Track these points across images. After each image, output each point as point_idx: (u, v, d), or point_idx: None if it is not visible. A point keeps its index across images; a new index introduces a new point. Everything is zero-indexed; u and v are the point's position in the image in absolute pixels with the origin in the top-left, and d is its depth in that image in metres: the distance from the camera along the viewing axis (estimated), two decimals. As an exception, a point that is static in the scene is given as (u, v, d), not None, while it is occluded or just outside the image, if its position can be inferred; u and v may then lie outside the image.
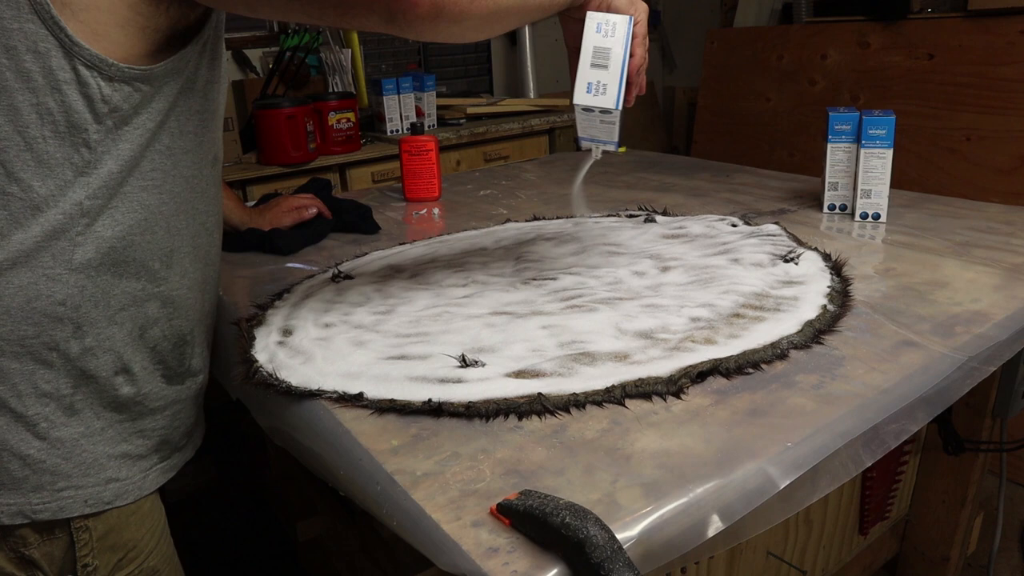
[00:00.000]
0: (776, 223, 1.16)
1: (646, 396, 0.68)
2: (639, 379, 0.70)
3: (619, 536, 0.50)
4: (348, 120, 2.27)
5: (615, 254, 1.06)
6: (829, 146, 1.22)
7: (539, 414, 0.66)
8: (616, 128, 0.84)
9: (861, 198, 1.19)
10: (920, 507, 1.46)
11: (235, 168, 2.12)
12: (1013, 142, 1.95)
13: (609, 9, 0.79)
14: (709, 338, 0.78)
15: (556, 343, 0.78)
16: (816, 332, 0.79)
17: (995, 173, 1.99)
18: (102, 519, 0.73)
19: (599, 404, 0.67)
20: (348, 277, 1.04)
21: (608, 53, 0.79)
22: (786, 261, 0.99)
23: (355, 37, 2.51)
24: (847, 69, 2.32)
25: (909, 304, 0.87)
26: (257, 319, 0.91)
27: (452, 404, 0.67)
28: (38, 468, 0.68)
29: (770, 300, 0.87)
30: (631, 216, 1.28)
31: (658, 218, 1.24)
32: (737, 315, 0.83)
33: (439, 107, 2.63)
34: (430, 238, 1.24)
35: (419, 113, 2.55)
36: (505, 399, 0.67)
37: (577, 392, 0.68)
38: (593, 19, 0.79)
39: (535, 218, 1.31)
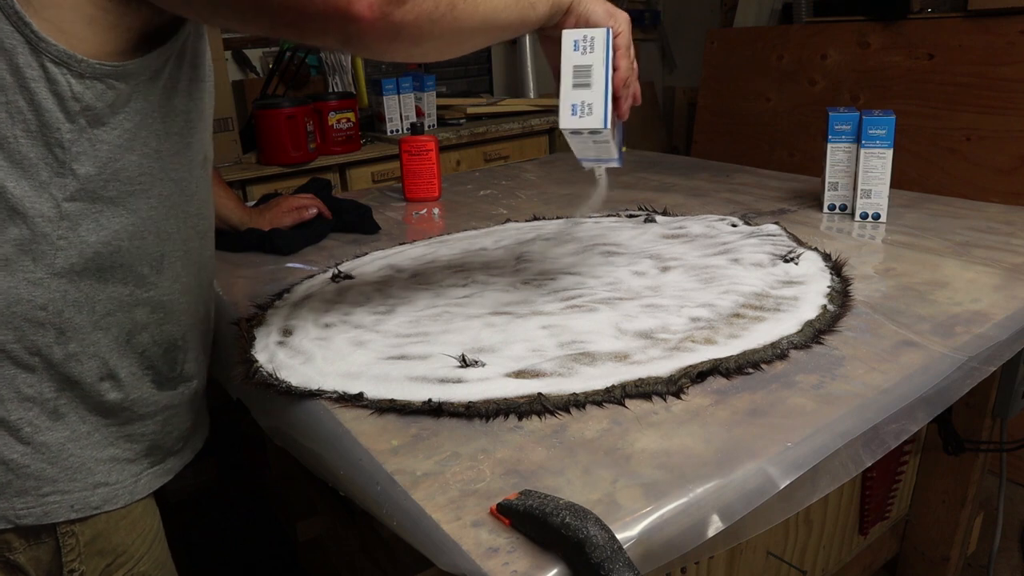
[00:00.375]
0: (776, 223, 1.16)
1: (646, 396, 0.68)
2: (639, 379, 0.70)
3: (619, 536, 0.50)
4: (348, 120, 2.27)
5: (615, 254, 1.06)
6: (829, 146, 1.22)
7: (539, 414, 0.66)
8: (612, 145, 0.80)
9: (861, 198, 1.19)
10: (920, 507, 1.46)
11: (235, 168, 2.11)
12: (1013, 142, 1.95)
13: (586, 24, 0.74)
14: (709, 338, 0.78)
15: (556, 343, 0.78)
16: (816, 332, 0.79)
17: (995, 173, 1.99)
18: (89, 524, 0.71)
19: (599, 404, 0.67)
20: (348, 277, 1.04)
21: (589, 70, 0.74)
22: (786, 261, 0.99)
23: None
24: (847, 69, 2.32)
25: (909, 304, 0.87)
26: (257, 319, 0.91)
27: (452, 404, 0.67)
28: (22, 473, 0.67)
29: (770, 300, 0.87)
30: (631, 216, 1.28)
31: (658, 218, 1.24)
32: (737, 315, 0.83)
33: (439, 107, 2.63)
34: (430, 238, 1.24)
35: (419, 113, 2.55)
36: (505, 399, 0.67)
37: (577, 392, 0.68)
38: (569, 37, 0.74)
39: (535, 218, 1.31)
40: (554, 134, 2.72)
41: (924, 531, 1.47)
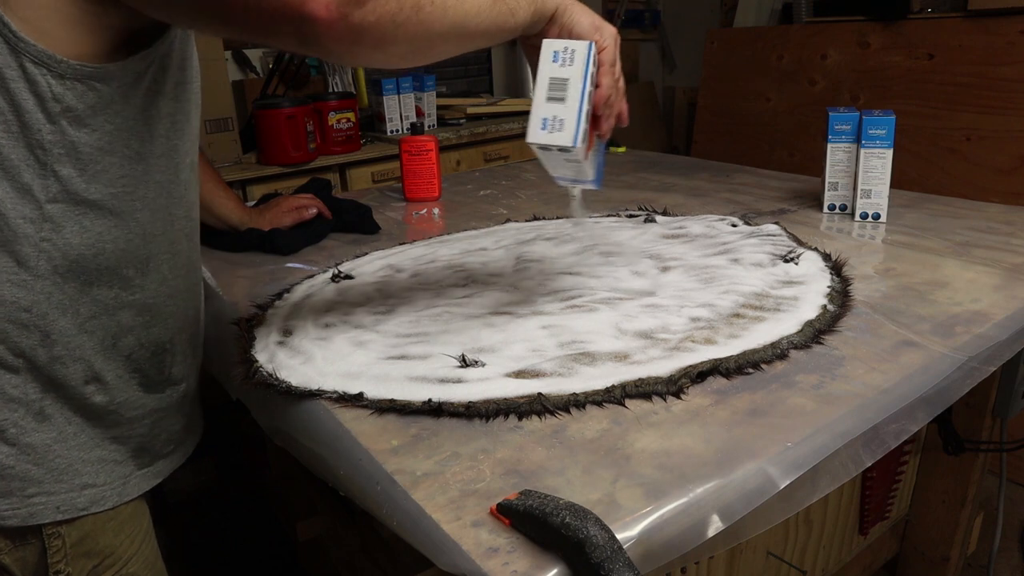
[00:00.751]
0: (776, 223, 1.16)
1: (646, 396, 0.68)
2: (639, 379, 0.70)
3: (619, 536, 0.50)
4: (348, 120, 2.27)
5: (615, 254, 1.06)
6: (829, 146, 1.22)
7: (539, 414, 0.66)
8: (585, 165, 0.74)
9: (861, 198, 1.19)
10: (920, 507, 1.46)
11: (235, 168, 2.12)
12: (1013, 142, 1.95)
13: (570, 35, 0.70)
14: (709, 338, 0.78)
15: (556, 343, 0.78)
16: (816, 332, 0.79)
17: (995, 173, 1.99)
18: (76, 525, 0.71)
19: (599, 404, 0.67)
20: (348, 277, 1.04)
21: (565, 84, 0.69)
22: (786, 261, 0.99)
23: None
24: (847, 69, 2.32)
25: (909, 304, 0.87)
26: (257, 319, 0.91)
27: (452, 404, 0.67)
28: (7, 474, 0.66)
29: (770, 300, 0.87)
30: (631, 216, 1.28)
31: (658, 218, 1.24)
32: (737, 315, 0.83)
33: (439, 107, 2.63)
34: (430, 238, 1.24)
35: (419, 113, 2.55)
36: (505, 399, 0.67)
37: (577, 392, 0.68)
38: (550, 47, 0.70)
39: (535, 218, 1.31)
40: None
41: (924, 531, 1.47)
